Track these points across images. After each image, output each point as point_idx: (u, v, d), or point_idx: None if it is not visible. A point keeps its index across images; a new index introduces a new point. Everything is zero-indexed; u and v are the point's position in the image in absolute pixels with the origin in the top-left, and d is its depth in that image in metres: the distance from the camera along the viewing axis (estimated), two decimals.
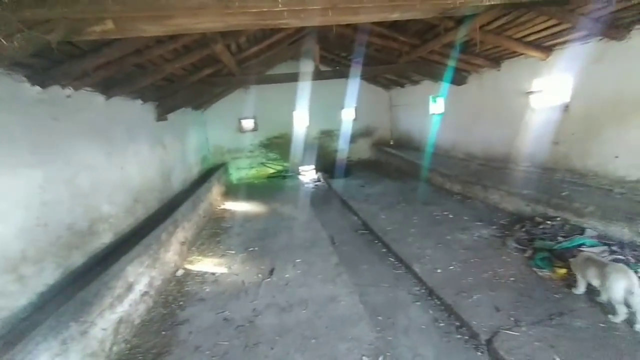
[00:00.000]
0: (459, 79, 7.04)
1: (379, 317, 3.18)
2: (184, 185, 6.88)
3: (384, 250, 4.67)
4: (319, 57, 7.33)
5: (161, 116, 5.87)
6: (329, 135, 11.41)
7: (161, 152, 5.84)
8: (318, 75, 7.94)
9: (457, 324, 2.96)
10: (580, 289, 2.94)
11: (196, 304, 3.56)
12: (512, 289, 3.22)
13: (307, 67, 8.12)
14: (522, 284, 3.30)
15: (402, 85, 10.07)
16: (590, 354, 2.35)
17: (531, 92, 5.33)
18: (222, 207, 7.42)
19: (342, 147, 11.25)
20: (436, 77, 7.39)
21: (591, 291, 2.91)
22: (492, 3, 2.45)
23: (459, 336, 2.83)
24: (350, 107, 11.07)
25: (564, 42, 4.58)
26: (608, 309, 2.69)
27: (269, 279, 3.97)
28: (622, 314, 2.55)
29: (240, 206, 7.41)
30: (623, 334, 2.49)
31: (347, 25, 6.01)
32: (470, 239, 4.43)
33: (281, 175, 10.60)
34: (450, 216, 5.34)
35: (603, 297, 2.74)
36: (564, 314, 2.78)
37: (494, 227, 4.68)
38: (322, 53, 8.78)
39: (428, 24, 5.35)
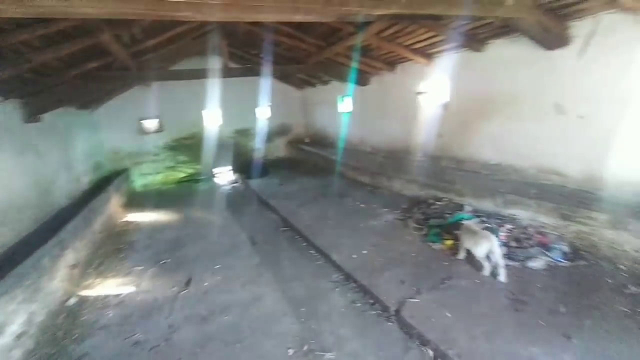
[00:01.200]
0: (362, 80, 7.68)
1: (302, 309, 3.29)
2: (71, 199, 5.85)
3: (305, 244, 4.82)
4: (227, 53, 7.06)
5: (32, 117, 4.85)
6: (244, 134, 11.12)
7: (34, 161, 4.84)
8: (228, 73, 7.67)
9: (371, 301, 3.27)
10: (462, 254, 3.59)
11: (97, 334, 3.10)
12: (413, 264, 3.71)
13: (215, 63, 7.73)
14: (421, 257, 3.83)
15: (313, 85, 10.45)
16: (470, 304, 2.89)
17: (420, 93, 6.18)
18: (125, 219, 6.56)
19: (259, 146, 11.11)
20: (343, 78, 7.90)
21: (471, 256, 3.57)
22: (381, 13, 2.76)
23: (373, 312, 3.14)
24: (264, 105, 10.99)
25: (441, 51, 5.44)
26: (477, 267, 3.34)
27: (185, 291, 3.71)
28: (487, 268, 3.21)
29: (148, 216, 6.66)
30: (493, 285, 3.14)
31: (255, 23, 5.95)
32: (379, 225, 4.92)
33: (193, 179, 9.91)
34: (362, 206, 5.82)
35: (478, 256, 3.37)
36: (452, 277, 3.34)
37: (398, 211, 5.29)
38: (231, 50, 8.48)
39: (332, 28, 5.69)
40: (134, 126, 9.46)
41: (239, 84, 9.39)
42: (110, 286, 3.95)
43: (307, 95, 11.37)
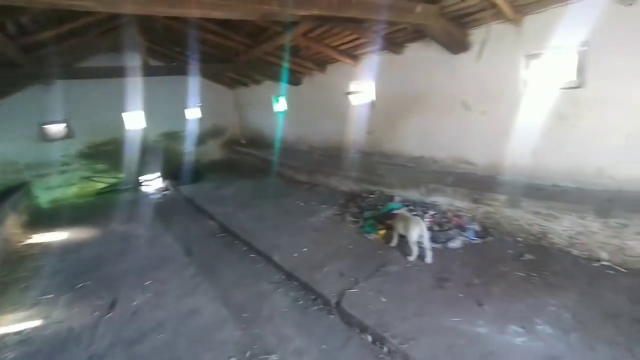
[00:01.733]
0: (294, 80, 7.73)
1: (244, 315, 3.21)
2: None
3: (244, 248, 4.69)
4: (146, 50, 6.47)
5: None
6: (173, 137, 10.35)
7: None
8: (149, 71, 7.05)
9: (313, 297, 3.33)
10: (394, 241, 3.87)
11: None
12: (351, 255, 3.88)
13: (133, 60, 7.02)
14: (357, 249, 4.02)
15: (246, 85, 10.18)
16: (402, 287, 3.13)
17: (350, 92, 6.46)
18: (28, 241, 5.60)
19: (190, 149, 10.45)
20: (275, 77, 7.86)
21: (401, 242, 3.86)
22: (304, 14, 2.81)
23: (315, 307, 3.20)
24: (194, 106, 10.36)
25: (366, 53, 5.76)
26: (407, 253, 3.64)
27: (109, 315, 3.32)
28: (415, 252, 3.52)
29: (57, 235, 5.78)
30: (421, 267, 3.44)
31: (175, 18, 5.56)
32: (318, 222, 5.02)
33: (116, 190, 8.90)
34: (301, 204, 5.88)
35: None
36: (386, 264, 3.58)
37: (335, 207, 5.47)
38: (151, 46, 7.81)
39: (259, 27, 5.60)
40: (34, 132, 8.11)
41: (165, 83, 8.73)
42: (9, 323, 3.34)
43: (240, 95, 11.05)
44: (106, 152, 9.13)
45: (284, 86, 8.16)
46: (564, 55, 3.62)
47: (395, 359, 2.44)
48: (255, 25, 5.56)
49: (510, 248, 3.59)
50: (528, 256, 3.39)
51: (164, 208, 7.12)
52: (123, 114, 9.12)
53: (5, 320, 3.38)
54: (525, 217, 3.64)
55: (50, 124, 8.27)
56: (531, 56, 3.87)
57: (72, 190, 8.74)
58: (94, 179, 9.04)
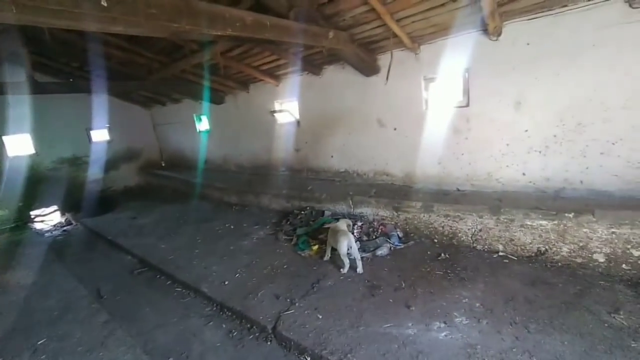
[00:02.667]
0: (217, 99, 7.48)
1: (170, 359, 2.87)
2: None
3: (169, 282, 4.24)
4: (30, 63, 5.53)
5: None
6: (74, 163, 8.96)
7: None
8: (37, 88, 6.02)
9: (248, 326, 3.15)
10: (327, 255, 3.93)
11: None
12: (286, 275, 3.81)
13: (14, 76, 5.94)
14: (292, 267, 3.97)
15: (163, 104, 9.47)
16: (336, 301, 3.18)
17: (275, 111, 6.51)
18: None
19: (98, 176, 9.19)
20: (195, 96, 7.49)
21: (334, 256, 3.94)
22: (219, 34, 2.76)
23: (251, 336, 3.02)
24: (101, 127, 9.19)
25: (287, 73, 5.91)
26: (340, 265, 3.74)
27: None
28: (346, 264, 3.63)
29: None
30: (353, 278, 3.55)
31: (69, 31, 4.91)
32: (250, 244, 4.84)
33: None
34: (232, 227, 5.61)
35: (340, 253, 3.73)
36: (320, 279, 3.60)
37: (268, 226, 5.36)
38: (41, 60, 6.76)
39: (173, 44, 5.31)
40: None
41: (62, 101, 7.60)
42: None
43: (157, 115, 10.21)
44: None
45: (206, 105, 7.82)
46: (452, 79, 4.27)
47: None
48: (169, 42, 5.25)
49: (429, 249, 3.97)
50: (443, 255, 3.78)
51: (65, 247, 6.05)
52: (2, 138, 7.56)
53: None
54: (438, 220, 4.08)
55: None
56: (429, 79, 4.46)
57: None
58: None
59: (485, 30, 3.70)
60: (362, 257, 3.72)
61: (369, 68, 4.67)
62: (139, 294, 4.08)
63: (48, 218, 8.01)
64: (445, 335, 2.57)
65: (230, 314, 3.38)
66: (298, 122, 6.20)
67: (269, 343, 2.91)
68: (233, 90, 7.16)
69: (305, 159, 6.36)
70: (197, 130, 8.83)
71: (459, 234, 3.94)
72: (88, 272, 4.79)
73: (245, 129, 7.43)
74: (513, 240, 3.56)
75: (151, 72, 6.41)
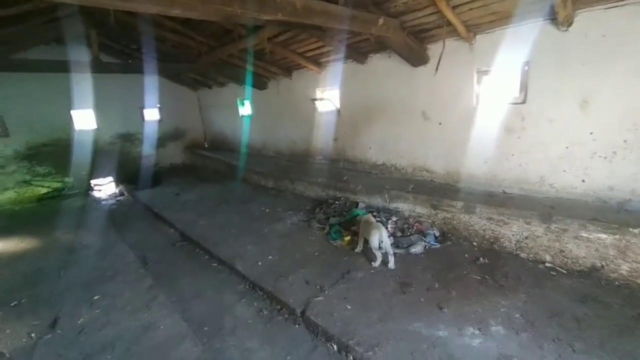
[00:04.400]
0: (260, 84, 7.62)
1: (205, 328, 3.06)
2: None
3: (206, 257, 4.50)
4: (97, 44, 6.00)
5: None
6: (129, 139, 9.69)
7: None
8: (101, 68, 6.56)
9: (278, 307, 3.26)
10: (359, 247, 3.92)
11: None
12: (317, 262, 3.86)
13: (81, 55, 6.49)
14: (323, 255, 4.02)
15: (209, 86, 9.85)
16: (366, 294, 3.17)
17: (315, 99, 6.50)
18: None
19: (148, 152, 9.87)
20: (240, 80, 7.69)
21: (366, 249, 3.91)
22: (268, 18, 2.78)
23: (280, 317, 3.13)
24: (153, 106, 9.82)
25: (331, 61, 5.84)
26: (371, 258, 3.70)
27: (49, 335, 2.99)
28: (378, 258, 3.59)
29: None
30: (384, 273, 3.51)
31: (130, 13, 5.22)
32: (284, 228, 4.96)
33: (61, 195, 8.11)
34: (267, 210, 5.77)
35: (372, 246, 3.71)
36: (351, 270, 3.60)
37: (302, 213, 5.44)
38: (104, 41, 7.29)
39: (223, 28, 5.45)
40: None
41: (121, 81, 8.18)
42: None
43: (203, 97, 10.66)
44: (50, 153, 8.30)
45: (249, 89, 8.01)
46: (509, 72, 3.94)
47: None
48: (219, 26, 5.41)
49: (467, 252, 3.80)
50: (482, 260, 3.59)
51: (118, 215, 6.63)
52: (71, 113, 8.37)
53: None
54: (479, 222, 3.87)
55: None
56: (482, 72, 4.16)
57: (7, 196, 7.82)
58: (35, 183, 8.17)
59: (553, 19, 3.35)
60: (394, 253, 3.65)
61: (417, 58, 4.46)
62: (179, 264, 4.38)
63: (105, 188, 8.80)
64: (479, 343, 2.47)
65: (261, 293, 3.51)
66: (338, 111, 6.14)
67: (297, 326, 2.99)
68: (276, 76, 7.24)
69: (343, 149, 6.32)
70: (240, 114, 9.11)
71: (502, 239, 3.71)
72: (136, 239, 5.22)
73: (285, 115, 7.52)
74: (564, 251, 3.28)
75: (200, 55, 6.67)
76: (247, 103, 8.77)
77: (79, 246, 5.00)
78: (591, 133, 3.45)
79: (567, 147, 3.64)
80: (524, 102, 3.85)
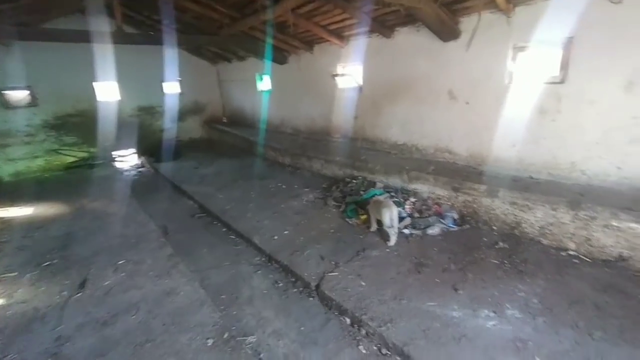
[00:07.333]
0: (280, 58, 7.45)
1: (222, 296, 3.17)
2: None
3: (224, 229, 4.61)
4: (121, 15, 5.98)
5: None
6: (150, 112, 9.84)
7: None
8: (124, 39, 6.54)
9: (293, 280, 3.33)
10: (373, 227, 3.91)
11: None
12: (332, 239, 3.89)
13: (104, 25, 6.50)
14: (339, 233, 4.04)
15: (229, 60, 9.74)
16: (382, 272, 3.18)
17: (337, 75, 6.31)
18: None
19: (169, 125, 10.02)
20: (260, 54, 7.53)
21: (381, 229, 3.89)
22: None
23: (295, 290, 3.20)
24: (173, 80, 9.85)
25: (355, 34, 5.60)
26: (386, 238, 3.68)
27: (79, 294, 3.18)
28: (393, 237, 3.57)
29: (22, 211, 5.45)
30: (400, 252, 3.50)
31: None
32: (300, 205, 4.99)
33: (87, 164, 8.43)
34: (284, 187, 5.81)
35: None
36: (366, 249, 3.61)
37: (318, 190, 5.44)
38: (127, 12, 7.25)
39: None
40: None
41: (141, 54, 8.18)
42: None
43: (222, 71, 10.58)
44: (76, 124, 8.55)
45: (268, 64, 7.86)
46: (549, 49, 3.66)
47: (372, 341, 2.49)
48: None
49: (486, 236, 3.72)
50: (502, 244, 3.51)
51: (140, 185, 6.85)
52: (94, 84, 8.51)
53: None
54: (501, 206, 3.76)
55: (12, 89, 7.60)
56: (519, 48, 3.89)
57: (38, 164, 8.19)
58: (63, 152, 8.50)
59: None
60: (412, 234, 3.63)
61: (448, 32, 4.21)
62: (198, 235, 4.52)
63: (127, 159, 9.07)
64: (494, 325, 2.45)
65: (277, 266, 3.59)
66: (360, 88, 5.96)
67: (311, 299, 3.05)
68: (297, 50, 7.05)
69: (363, 128, 6.18)
70: (258, 90, 9.01)
71: (524, 225, 3.60)
72: (157, 210, 5.39)
73: (305, 91, 7.38)
74: (590, 240, 3.15)
75: (222, 28, 6.55)
76: (266, 78, 8.65)
77: (104, 214, 5.22)
78: (634, 117, 3.21)
79: (605, 132, 3.40)
80: (562, 81, 3.59)
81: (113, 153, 8.98)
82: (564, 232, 3.31)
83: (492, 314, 2.55)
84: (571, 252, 3.26)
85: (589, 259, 3.15)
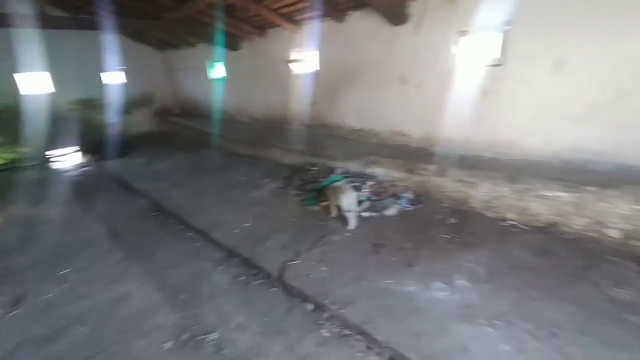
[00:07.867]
0: (232, 44, 7.13)
1: (181, 296, 3.05)
2: None
3: (181, 227, 4.40)
4: None
5: None
6: (91, 105, 9.00)
7: None
8: (49, 23, 5.84)
9: (255, 272, 3.29)
10: (333, 212, 3.96)
11: None
12: (294, 228, 3.88)
13: (22, 7, 5.71)
14: (300, 221, 4.03)
15: (177, 47, 9.12)
16: (343, 256, 3.24)
17: (292, 61, 6.18)
18: None
19: (114, 119, 9.24)
20: (210, 40, 7.13)
21: (341, 214, 3.95)
22: None
23: (257, 282, 3.17)
24: (115, 69, 9.04)
25: (308, 18, 5.49)
26: (346, 222, 3.76)
27: (15, 311, 2.89)
28: (352, 221, 3.66)
29: None
30: (359, 236, 3.59)
31: None
32: (261, 195, 4.90)
33: (15, 167, 7.54)
34: (243, 178, 5.66)
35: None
36: (327, 234, 3.65)
37: (279, 180, 5.37)
38: None
39: None
40: None
41: (78, 40, 7.38)
42: None
43: (171, 59, 9.91)
44: (1, 120, 7.57)
45: (220, 51, 7.49)
46: (491, 33, 3.86)
47: (334, 323, 2.56)
48: None
49: (438, 213, 3.93)
50: (452, 220, 3.74)
51: (84, 187, 6.29)
52: (15, 76, 7.54)
53: None
54: (451, 184, 3.99)
55: None
56: (462, 32, 4.06)
57: None
58: None
59: None
60: (370, 217, 3.73)
61: (397, 15, 4.27)
62: (152, 235, 4.27)
63: (67, 158, 8.26)
64: (445, 295, 2.62)
65: (238, 260, 3.52)
66: (316, 74, 5.90)
67: (273, 289, 3.04)
68: (249, 36, 6.77)
69: (320, 115, 6.17)
70: (211, 78, 8.58)
71: (471, 200, 3.85)
72: (105, 211, 5.00)
73: (260, 78, 7.16)
74: (526, 209, 3.47)
75: (164, 11, 6.07)
76: (218, 65, 8.24)
77: (41, 220, 4.74)
78: (562, 97, 3.52)
79: (538, 111, 3.71)
80: (502, 64, 3.82)
81: (49, 152, 8.12)
82: (505, 204, 3.60)
83: (443, 286, 2.73)
84: (512, 222, 3.57)
85: (527, 227, 3.47)
